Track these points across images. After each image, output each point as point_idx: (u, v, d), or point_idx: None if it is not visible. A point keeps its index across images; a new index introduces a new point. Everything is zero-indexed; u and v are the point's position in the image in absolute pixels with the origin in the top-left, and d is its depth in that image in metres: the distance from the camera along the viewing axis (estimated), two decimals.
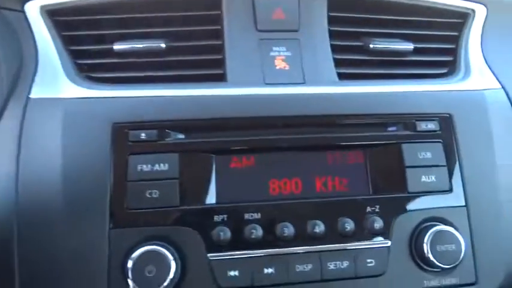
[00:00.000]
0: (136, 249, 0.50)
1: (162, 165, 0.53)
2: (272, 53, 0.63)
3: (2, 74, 0.59)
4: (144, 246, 0.50)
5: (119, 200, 0.52)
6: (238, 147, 0.56)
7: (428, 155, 0.58)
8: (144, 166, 0.53)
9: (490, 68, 0.68)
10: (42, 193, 0.52)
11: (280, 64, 0.62)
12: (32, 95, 0.57)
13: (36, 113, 0.56)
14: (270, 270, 0.52)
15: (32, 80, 0.59)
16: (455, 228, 0.55)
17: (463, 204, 0.57)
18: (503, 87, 0.66)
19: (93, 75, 0.61)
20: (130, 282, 0.49)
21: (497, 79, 0.67)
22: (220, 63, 0.62)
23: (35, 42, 0.61)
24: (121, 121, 0.55)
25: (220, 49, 0.62)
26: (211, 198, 0.54)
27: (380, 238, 0.55)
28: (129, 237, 0.51)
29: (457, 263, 0.54)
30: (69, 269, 0.50)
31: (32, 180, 0.52)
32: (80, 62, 0.61)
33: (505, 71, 0.68)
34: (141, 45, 0.61)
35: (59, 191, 0.52)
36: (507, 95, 0.66)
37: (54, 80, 0.58)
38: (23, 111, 0.56)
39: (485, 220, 0.58)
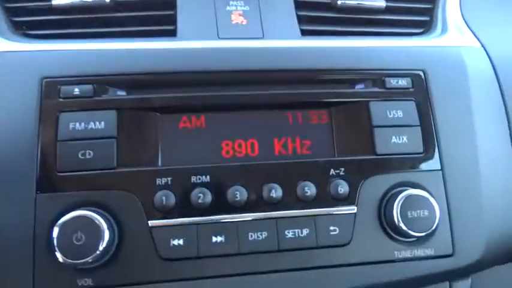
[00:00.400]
0: (61, 216, 0.43)
1: (97, 123, 0.47)
2: (229, 8, 0.57)
3: None
4: (72, 212, 0.44)
5: (47, 161, 0.46)
6: (186, 105, 0.50)
7: (400, 113, 0.52)
8: (77, 124, 0.47)
9: (468, 27, 0.63)
10: None
11: (237, 19, 0.56)
12: None
13: None
14: (218, 239, 0.46)
15: None
16: (429, 193, 0.49)
17: (438, 167, 0.52)
18: (482, 45, 0.61)
19: (31, 32, 0.55)
20: (56, 251, 0.43)
21: (477, 37, 0.62)
22: (172, 18, 0.56)
23: None
24: (52, 75, 0.49)
25: (172, 4, 0.57)
26: (154, 160, 0.48)
27: (345, 204, 0.49)
28: (59, 203, 0.45)
29: (430, 230, 0.48)
30: None
31: None
32: (16, 19, 0.55)
33: (484, 30, 0.63)
34: (81, 0, 0.55)
35: None
36: (487, 53, 0.61)
37: None
38: None
39: (463, 185, 0.52)
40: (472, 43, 0.61)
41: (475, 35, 0.62)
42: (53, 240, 0.43)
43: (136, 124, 0.49)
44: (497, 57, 0.60)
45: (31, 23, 0.56)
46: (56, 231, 0.43)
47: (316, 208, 0.48)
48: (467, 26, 0.63)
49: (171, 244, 0.45)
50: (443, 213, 0.50)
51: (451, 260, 0.50)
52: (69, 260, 0.42)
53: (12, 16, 0.56)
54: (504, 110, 0.57)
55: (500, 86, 0.59)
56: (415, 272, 0.49)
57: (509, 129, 0.57)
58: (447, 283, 0.57)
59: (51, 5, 0.55)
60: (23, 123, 0.47)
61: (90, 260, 0.43)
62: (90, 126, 0.47)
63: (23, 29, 0.55)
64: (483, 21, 0.65)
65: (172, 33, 0.55)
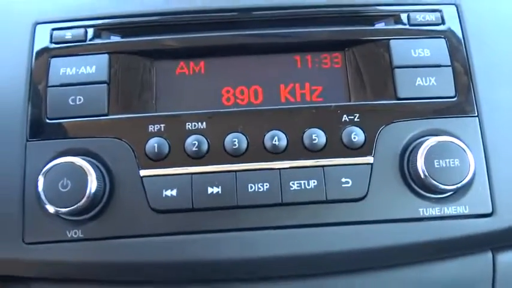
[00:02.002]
0: (50, 162, 0.41)
1: (88, 68, 0.45)
2: None
3: None
4: (57, 159, 0.41)
5: (38, 108, 0.44)
6: (184, 49, 0.46)
7: (427, 52, 0.45)
8: (68, 69, 0.45)
9: None
10: None
11: None
12: None
13: None
14: (215, 190, 0.42)
15: None
16: (463, 142, 0.42)
17: (474, 113, 0.44)
18: None
19: None
20: (43, 197, 0.40)
21: None
22: None
23: None
24: (44, 20, 0.47)
25: None
26: (148, 108, 0.45)
27: (360, 154, 0.43)
28: (48, 150, 0.43)
29: (462, 183, 0.41)
30: None
31: None
32: None
33: None
34: None
35: None
36: None
37: None
38: None
39: (504, 133, 0.44)
40: None
41: None
42: (39, 186, 0.41)
43: (129, 69, 0.46)
44: None
45: None
46: (41, 179, 0.41)
47: (325, 158, 0.43)
48: None
49: (164, 195, 0.42)
50: (480, 164, 0.43)
51: (491, 220, 0.43)
52: (57, 208, 0.40)
53: None
54: None
55: None
56: (446, 234, 0.42)
57: None
58: (489, 254, 0.50)
59: None
60: (14, 69, 0.45)
61: (76, 208, 0.40)
62: (81, 71, 0.45)
63: None
64: None
65: None
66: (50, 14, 0.47)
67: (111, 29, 0.47)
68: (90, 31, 0.46)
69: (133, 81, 0.46)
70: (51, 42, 0.46)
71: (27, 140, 0.44)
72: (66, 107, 0.44)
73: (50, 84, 0.45)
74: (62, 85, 0.45)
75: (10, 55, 0.46)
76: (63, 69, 0.45)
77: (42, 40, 0.46)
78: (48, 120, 0.44)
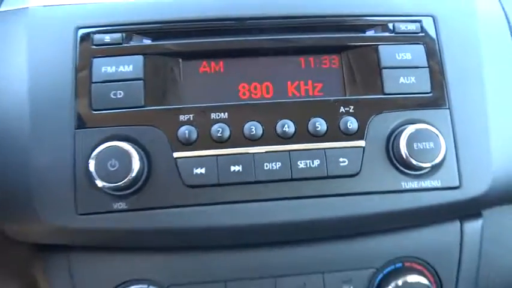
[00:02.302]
0: (98, 147, 0.49)
1: (126, 66, 0.53)
2: None
3: None
4: (105, 143, 0.49)
5: (83, 101, 0.52)
6: (206, 50, 0.55)
7: (408, 56, 0.55)
8: (109, 68, 0.53)
9: None
10: (7, 96, 0.53)
11: None
12: (2, 8, 0.58)
13: (4, 24, 0.57)
14: (236, 168, 0.51)
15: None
16: (437, 129, 0.52)
17: (446, 106, 0.54)
18: None
19: None
20: (94, 175, 0.49)
21: None
22: None
23: None
24: (85, 25, 0.54)
25: None
26: (177, 100, 0.54)
27: (354, 139, 0.52)
28: (94, 137, 0.51)
29: (436, 162, 0.51)
30: (37, 170, 0.51)
31: (2, 82, 0.53)
32: None
33: None
34: None
35: (24, 95, 0.52)
36: (500, 3, 0.62)
37: None
38: None
39: (470, 123, 0.55)
40: None
41: None
42: (90, 166, 0.49)
43: (160, 68, 0.54)
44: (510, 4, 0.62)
45: None
46: (92, 161, 0.49)
47: (326, 142, 0.52)
48: None
49: (194, 173, 0.51)
50: (450, 146, 0.53)
51: (458, 192, 0.53)
52: (105, 183, 0.48)
53: None
54: None
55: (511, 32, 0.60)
56: (422, 203, 0.52)
57: None
58: (458, 223, 0.60)
59: None
60: (61, 68, 0.53)
61: (123, 184, 0.48)
62: (120, 70, 0.53)
63: None
64: None
65: None
66: (90, 20, 0.55)
67: (144, 33, 0.55)
68: (126, 35, 0.54)
69: (164, 78, 0.54)
70: (92, 44, 0.54)
71: (76, 129, 0.51)
72: (108, 100, 0.52)
73: (93, 80, 0.52)
74: (104, 81, 0.52)
75: (56, 56, 0.53)
76: (104, 67, 0.53)
77: (84, 42, 0.54)
78: (93, 112, 0.52)
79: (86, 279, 0.56)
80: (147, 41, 0.55)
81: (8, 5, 0.59)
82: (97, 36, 0.54)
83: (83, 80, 0.52)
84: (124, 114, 0.52)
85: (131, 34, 0.55)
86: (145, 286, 0.56)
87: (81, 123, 0.52)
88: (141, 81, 0.53)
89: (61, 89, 0.52)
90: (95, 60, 0.53)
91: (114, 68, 0.53)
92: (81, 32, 0.54)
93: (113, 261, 0.56)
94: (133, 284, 0.56)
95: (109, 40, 0.54)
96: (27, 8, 0.56)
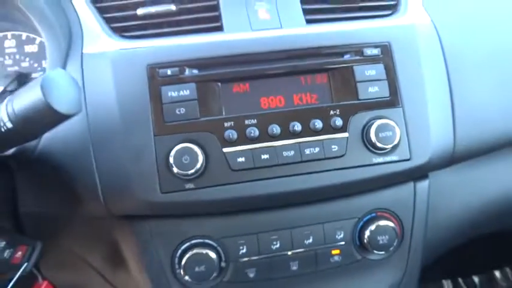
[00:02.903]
0: (173, 147, 0.73)
1: (185, 91, 0.75)
2: (256, 7, 0.84)
3: (59, 36, 0.81)
4: (179, 145, 0.73)
5: (158, 116, 0.74)
6: (237, 77, 0.77)
7: (373, 72, 0.79)
8: (173, 93, 0.75)
9: (425, 9, 0.89)
10: (104, 115, 0.75)
11: (262, 15, 0.84)
12: (85, 51, 0.79)
13: (90, 65, 0.78)
14: (265, 156, 0.75)
15: (82, 41, 0.81)
16: (394, 121, 0.78)
17: (400, 105, 0.79)
18: (432, 21, 0.87)
19: (125, 34, 0.83)
20: (173, 165, 0.71)
21: (429, 16, 0.88)
22: (218, 18, 0.83)
23: (77, 13, 0.83)
24: (153, 63, 0.76)
25: (216, 8, 0.84)
26: (220, 113, 0.76)
27: (341, 132, 0.76)
28: (168, 141, 0.73)
29: (394, 144, 0.75)
30: (130, 164, 0.73)
31: (96, 108, 0.75)
32: (113, 25, 0.83)
33: (436, 10, 0.88)
34: (156, 9, 0.83)
35: (116, 113, 0.74)
36: (435, 28, 0.87)
37: (98, 39, 0.80)
38: (80, 63, 0.78)
39: (416, 116, 0.78)
40: (424, 20, 0.86)
41: (428, 13, 0.88)
42: (169, 160, 0.72)
43: (207, 90, 0.76)
44: (443, 31, 0.86)
45: (124, 27, 0.83)
46: (172, 155, 0.72)
47: (323, 135, 0.76)
48: (424, 7, 0.89)
49: (237, 161, 0.72)
50: (403, 133, 0.75)
51: (409, 162, 0.76)
52: (180, 171, 0.72)
53: (109, 23, 0.83)
54: (445, 70, 0.84)
55: (443, 53, 0.84)
56: (387, 171, 0.77)
57: (448, 81, 0.83)
58: (412, 183, 0.82)
59: (136, 13, 0.83)
60: (139, 94, 0.74)
61: (192, 171, 0.72)
62: (180, 93, 0.75)
63: (118, 31, 0.83)
64: (437, 2, 0.91)
65: (220, 29, 0.82)
66: (156, 58, 0.76)
67: (193, 66, 0.77)
68: (180, 68, 0.76)
69: (210, 97, 0.76)
70: (159, 76, 0.75)
71: (154, 136, 0.74)
72: (175, 115, 0.74)
73: (163, 102, 0.74)
74: (171, 102, 0.74)
75: (135, 86, 0.75)
76: (170, 92, 0.75)
77: (153, 75, 0.75)
78: (165, 123, 0.74)
79: (161, 237, 0.77)
80: (195, 72, 0.77)
81: (89, 48, 0.79)
82: (161, 71, 0.76)
83: (156, 101, 0.74)
84: (187, 124, 0.74)
85: (184, 67, 0.77)
86: (201, 240, 0.80)
87: (158, 131, 0.74)
88: (196, 100, 0.75)
89: (142, 108, 0.74)
90: (163, 88, 0.75)
91: (176, 93, 0.75)
92: (149, 67, 0.75)
93: (180, 224, 0.77)
94: (194, 239, 0.77)
95: (170, 73, 0.76)
96: (108, 52, 0.77)
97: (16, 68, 0.91)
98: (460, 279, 1.95)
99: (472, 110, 0.83)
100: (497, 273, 1.89)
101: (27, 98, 0.57)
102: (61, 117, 0.58)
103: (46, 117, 0.57)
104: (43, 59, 0.91)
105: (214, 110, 0.75)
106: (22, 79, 0.87)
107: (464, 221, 0.92)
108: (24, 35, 0.92)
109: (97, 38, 0.81)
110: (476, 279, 1.93)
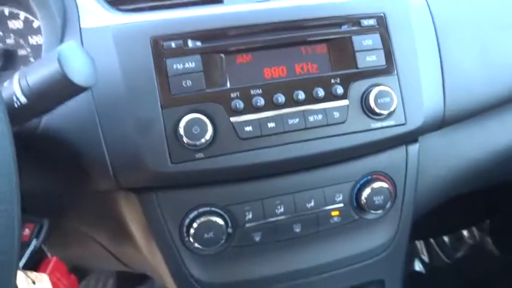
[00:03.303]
0: (182, 118, 0.74)
1: (190, 63, 0.76)
2: None
3: (54, 12, 0.79)
4: (188, 116, 0.74)
5: (164, 89, 0.75)
6: (240, 48, 0.79)
7: (370, 42, 0.83)
8: (179, 65, 0.76)
9: None
10: (109, 89, 0.75)
11: None
12: (83, 26, 0.78)
13: (91, 39, 0.77)
14: (272, 125, 0.77)
15: (78, 15, 0.79)
16: (390, 88, 0.82)
17: (395, 73, 0.83)
18: None
19: (122, 7, 0.82)
20: (183, 135, 0.73)
21: None
22: None
23: None
24: (156, 35, 0.76)
25: None
26: (225, 83, 0.78)
27: (341, 99, 0.80)
28: (176, 113, 0.74)
29: (391, 109, 0.80)
30: (139, 137, 0.74)
31: (100, 83, 0.74)
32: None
33: None
34: None
35: (122, 87, 0.74)
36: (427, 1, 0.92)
37: (95, 14, 0.79)
38: (80, 38, 0.77)
39: (410, 82, 0.83)
40: None
41: None
42: (179, 130, 0.73)
43: (211, 62, 0.77)
44: (433, 2, 0.90)
45: (120, 1, 0.82)
46: (181, 125, 0.73)
47: (325, 102, 0.80)
48: None
49: (245, 130, 0.76)
50: (399, 99, 0.82)
51: (404, 127, 0.80)
52: (189, 141, 0.74)
53: None
54: (436, 39, 0.88)
55: (433, 23, 0.89)
56: (384, 135, 0.82)
57: (438, 50, 0.88)
58: (404, 146, 0.87)
59: None
60: (144, 67, 0.75)
61: (202, 141, 0.74)
62: (186, 66, 0.76)
63: (115, 5, 0.82)
64: None
65: (219, 1, 0.83)
66: (159, 31, 0.76)
67: (196, 38, 0.77)
68: (183, 41, 0.76)
69: (214, 69, 0.78)
70: (163, 49, 0.76)
71: (162, 108, 0.75)
72: (181, 87, 0.75)
73: (169, 75, 0.75)
74: (176, 75, 0.75)
75: (140, 58, 0.75)
76: (175, 65, 0.76)
77: (157, 48, 0.75)
78: (172, 96, 0.75)
79: (168, 208, 0.78)
80: (199, 44, 0.78)
81: (87, 22, 0.78)
82: (166, 43, 0.76)
83: (161, 74, 0.75)
84: (194, 96, 0.76)
85: (187, 40, 0.77)
86: (208, 208, 0.83)
87: (165, 104, 0.75)
88: (202, 72, 0.76)
89: (147, 81, 0.74)
90: (168, 60, 0.75)
91: (181, 65, 0.76)
92: (153, 40, 0.76)
93: (187, 194, 0.77)
94: (201, 207, 0.79)
95: (174, 45, 0.76)
96: (109, 26, 0.77)
97: (0, 45, 0.88)
98: (431, 240, 2.10)
99: (459, 76, 0.89)
100: (465, 233, 2.04)
101: (42, 72, 0.57)
102: (78, 90, 0.58)
103: (63, 90, 0.57)
104: (29, 35, 0.88)
105: (219, 81, 0.75)
106: (8, 57, 0.84)
107: (449, 181, 0.97)
108: (6, 10, 0.88)
109: (93, 12, 0.79)
110: (446, 239, 2.08)
